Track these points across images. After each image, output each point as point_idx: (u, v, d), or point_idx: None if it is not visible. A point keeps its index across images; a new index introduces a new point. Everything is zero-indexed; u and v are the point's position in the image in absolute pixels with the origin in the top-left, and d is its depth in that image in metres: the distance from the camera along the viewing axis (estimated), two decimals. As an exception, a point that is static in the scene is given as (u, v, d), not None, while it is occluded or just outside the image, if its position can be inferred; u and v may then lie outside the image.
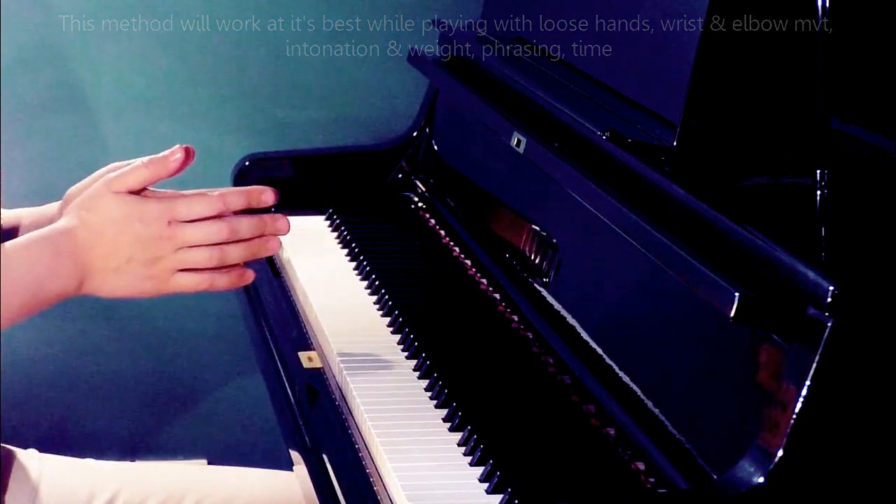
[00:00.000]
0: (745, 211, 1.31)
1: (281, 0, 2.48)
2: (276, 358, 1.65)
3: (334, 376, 1.55)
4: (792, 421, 1.14)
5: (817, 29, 1.29)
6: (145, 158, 1.56)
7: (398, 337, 1.62)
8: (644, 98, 1.54)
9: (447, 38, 2.09)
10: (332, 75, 2.52)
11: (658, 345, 1.38)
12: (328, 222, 2.01)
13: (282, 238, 1.93)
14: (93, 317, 2.49)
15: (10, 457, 1.63)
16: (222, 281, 1.49)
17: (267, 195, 1.54)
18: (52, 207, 1.67)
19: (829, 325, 1.14)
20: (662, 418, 1.33)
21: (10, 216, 1.67)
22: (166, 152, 1.56)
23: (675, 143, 1.45)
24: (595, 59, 1.67)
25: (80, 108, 2.47)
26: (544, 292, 1.61)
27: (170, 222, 1.48)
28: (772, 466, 1.15)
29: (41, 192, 2.44)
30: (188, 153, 1.59)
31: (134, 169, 1.53)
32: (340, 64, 2.52)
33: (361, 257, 1.84)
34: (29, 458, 1.66)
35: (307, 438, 1.51)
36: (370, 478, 1.35)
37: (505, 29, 1.98)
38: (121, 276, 1.46)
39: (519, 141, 1.68)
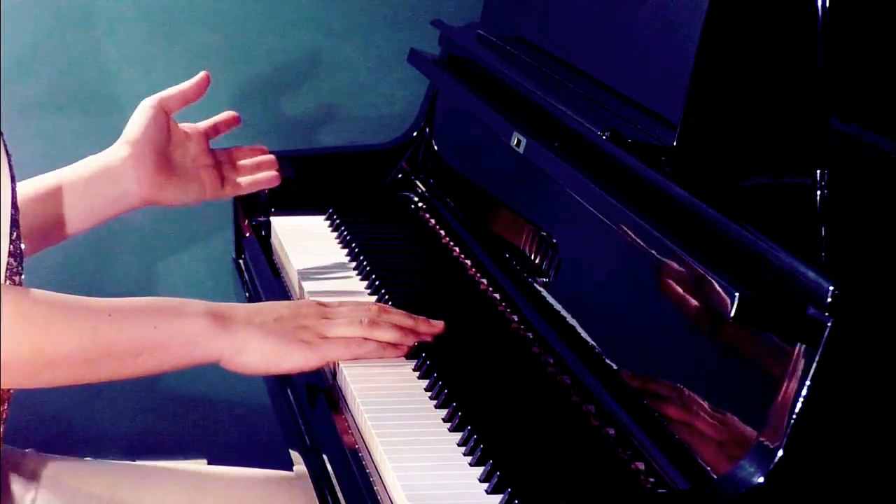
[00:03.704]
0: (746, 211, 1.31)
1: (281, 0, 2.48)
2: (276, 358, 1.65)
3: (334, 376, 1.55)
4: (792, 421, 1.14)
5: (817, 29, 1.29)
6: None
7: (398, 337, 1.62)
8: (644, 98, 1.54)
9: (447, 38, 2.09)
10: (332, 75, 2.52)
11: (658, 345, 1.38)
12: (328, 222, 2.01)
13: (282, 238, 1.94)
14: (93, 317, 2.49)
15: (10, 457, 1.63)
16: (371, 350, 1.51)
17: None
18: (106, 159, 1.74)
19: (830, 325, 1.14)
20: (662, 418, 1.33)
21: (51, 181, 1.72)
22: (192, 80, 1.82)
23: (675, 143, 1.45)
24: (595, 59, 1.67)
25: (80, 108, 2.47)
26: (544, 292, 1.61)
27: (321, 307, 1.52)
28: (772, 466, 1.15)
29: (41, 192, 2.44)
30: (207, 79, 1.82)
31: (170, 93, 1.78)
32: (340, 64, 2.52)
33: (361, 257, 1.84)
34: (28, 458, 1.66)
35: (307, 438, 1.51)
36: (370, 478, 1.35)
37: (505, 29, 1.98)
38: (266, 335, 1.45)
39: (519, 141, 1.68)
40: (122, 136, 1.75)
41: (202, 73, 1.81)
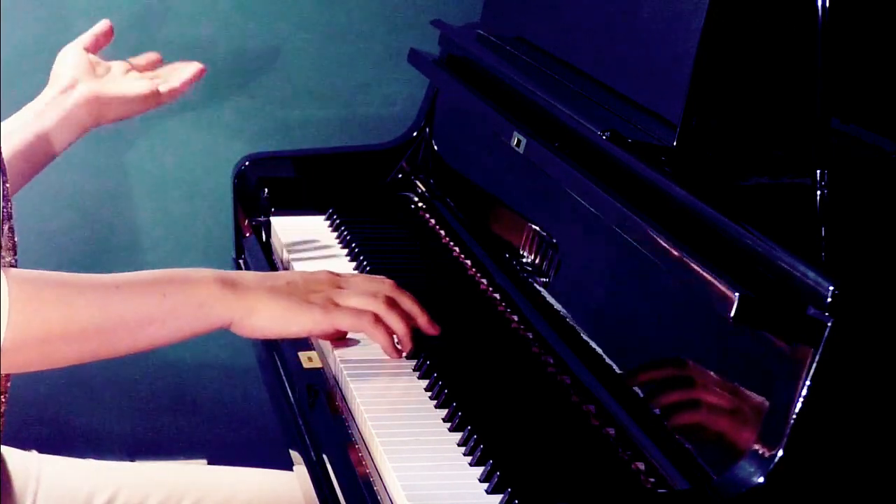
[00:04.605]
0: (745, 211, 1.31)
1: (281, 0, 2.48)
2: (276, 358, 1.65)
3: (334, 376, 1.55)
4: (792, 421, 1.14)
5: (817, 29, 1.29)
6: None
7: (398, 337, 1.62)
8: (644, 98, 1.54)
9: (447, 38, 2.09)
10: (332, 75, 2.52)
11: (658, 345, 1.38)
12: (328, 222, 2.01)
13: (282, 238, 1.94)
14: (93, 317, 2.49)
15: (10, 457, 1.63)
16: (381, 335, 1.50)
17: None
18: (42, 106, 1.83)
19: (829, 325, 1.14)
20: (662, 418, 1.33)
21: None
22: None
23: (675, 143, 1.45)
24: (595, 58, 1.67)
25: (80, 108, 2.46)
26: (544, 292, 1.61)
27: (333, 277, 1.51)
28: (772, 466, 1.15)
29: (41, 191, 2.44)
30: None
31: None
32: (340, 64, 2.52)
33: (361, 257, 1.84)
34: (29, 459, 1.66)
35: (307, 438, 1.50)
36: (370, 478, 1.35)
37: (505, 29, 1.98)
38: (278, 298, 1.45)
39: (519, 141, 1.68)
40: (57, 82, 1.84)
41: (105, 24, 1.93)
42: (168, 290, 1.40)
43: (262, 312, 1.43)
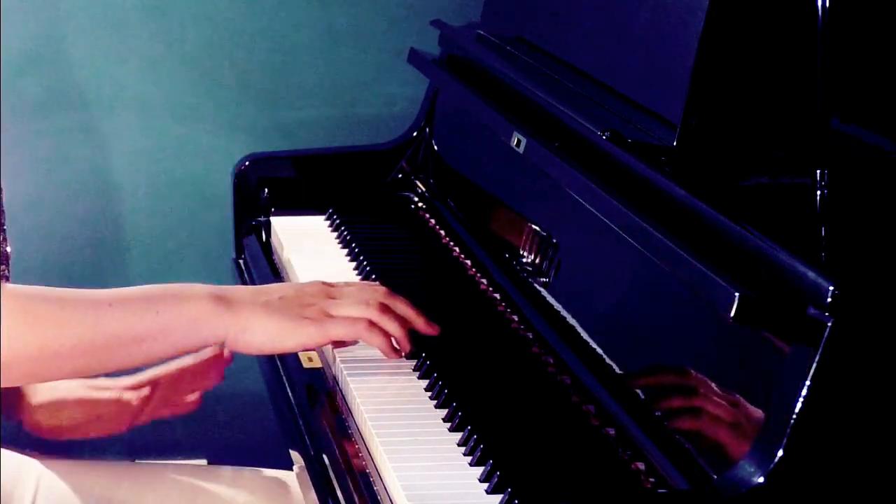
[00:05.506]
0: (745, 211, 1.31)
1: (282, 0, 2.48)
2: (276, 358, 1.65)
3: (334, 376, 1.55)
4: (792, 421, 1.14)
5: (817, 29, 1.29)
6: None
7: (398, 337, 1.62)
8: (644, 98, 1.54)
9: (447, 38, 2.09)
10: (332, 75, 2.52)
11: (658, 345, 1.38)
12: (328, 222, 2.01)
13: (282, 238, 1.94)
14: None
15: (10, 458, 1.63)
16: (377, 338, 1.50)
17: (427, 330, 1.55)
18: None
19: (830, 325, 1.14)
20: (662, 418, 1.33)
21: None
22: None
23: (675, 143, 1.45)
24: (595, 59, 1.67)
25: (80, 108, 2.47)
26: (544, 292, 1.61)
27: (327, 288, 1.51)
28: (772, 466, 1.15)
29: (41, 192, 2.44)
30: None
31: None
32: (340, 64, 2.52)
33: (361, 257, 1.84)
34: (28, 460, 1.66)
35: (307, 438, 1.50)
36: (370, 478, 1.35)
37: (505, 29, 1.98)
38: (271, 314, 1.45)
39: (519, 141, 1.68)
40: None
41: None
42: (161, 307, 1.40)
43: (255, 329, 1.43)
